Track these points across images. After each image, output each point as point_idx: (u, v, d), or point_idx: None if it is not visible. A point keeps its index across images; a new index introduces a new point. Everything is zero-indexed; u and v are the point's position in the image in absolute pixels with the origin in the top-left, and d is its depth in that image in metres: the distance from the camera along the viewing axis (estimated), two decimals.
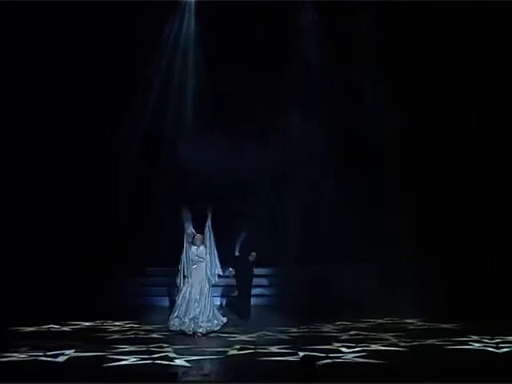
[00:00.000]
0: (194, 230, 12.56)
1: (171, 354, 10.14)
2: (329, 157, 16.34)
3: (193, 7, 16.72)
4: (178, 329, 12.15)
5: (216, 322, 12.27)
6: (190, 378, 8.66)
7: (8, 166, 15.55)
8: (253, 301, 15.70)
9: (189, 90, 17.05)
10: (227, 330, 12.43)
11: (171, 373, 8.83)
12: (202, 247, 12.43)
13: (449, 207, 15.67)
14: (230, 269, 13.51)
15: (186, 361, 9.67)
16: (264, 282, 16.56)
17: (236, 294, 14.59)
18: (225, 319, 12.48)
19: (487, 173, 15.76)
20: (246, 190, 16.59)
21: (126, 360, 9.69)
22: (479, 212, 15.63)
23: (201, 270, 12.33)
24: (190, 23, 16.84)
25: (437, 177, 15.92)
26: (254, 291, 15.89)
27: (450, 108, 15.88)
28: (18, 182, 15.56)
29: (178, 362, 9.66)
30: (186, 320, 12.11)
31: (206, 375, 8.88)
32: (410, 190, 15.91)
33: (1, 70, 15.12)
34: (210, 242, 12.43)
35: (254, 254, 14.40)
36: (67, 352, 10.20)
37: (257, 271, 16.22)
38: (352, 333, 12.28)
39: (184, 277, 12.33)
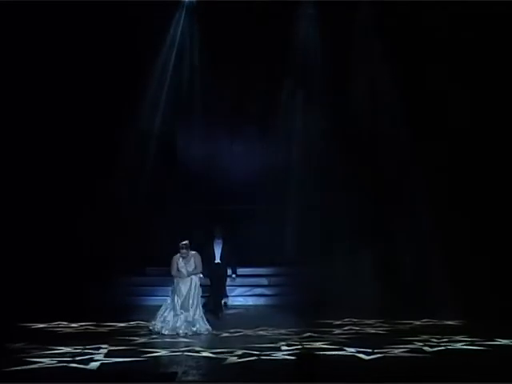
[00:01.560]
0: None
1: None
2: (330, 156, 16.22)
3: (185, 7, 16.65)
4: (161, 332, 12.05)
5: (202, 329, 12.15)
6: (190, 378, 8.56)
7: (9, 165, 15.38)
8: (252, 300, 15.85)
9: (189, 89, 16.96)
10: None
11: (171, 372, 8.76)
12: (191, 261, 12.34)
13: (452, 207, 15.55)
14: (201, 275, 12.86)
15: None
16: (264, 281, 16.46)
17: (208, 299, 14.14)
18: (209, 328, 12.29)
19: (489, 169, 15.61)
20: (246, 189, 16.54)
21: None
22: (483, 213, 15.48)
23: (188, 280, 12.27)
24: (189, 22, 16.74)
25: (438, 175, 15.77)
26: (255, 291, 15.97)
27: (450, 101, 15.67)
28: (18, 181, 15.38)
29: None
30: (170, 326, 12.04)
31: (205, 375, 8.80)
32: (410, 190, 15.83)
33: (2, 71, 15.07)
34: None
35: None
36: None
37: (257, 271, 16.32)
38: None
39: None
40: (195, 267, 12.39)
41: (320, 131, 16.55)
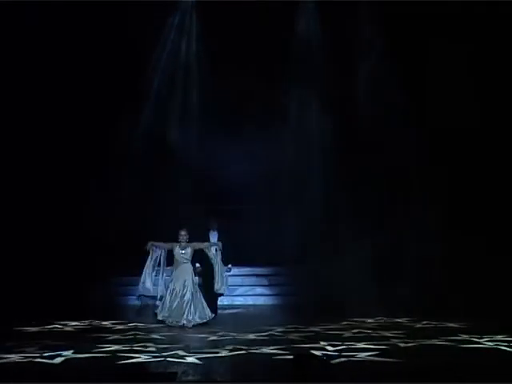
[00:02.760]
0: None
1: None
2: (330, 155, 16.28)
3: (185, 7, 16.64)
4: (165, 320, 12.34)
5: (203, 315, 12.40)
6: (190, 378, 8.53)
7: (12, 164, 15.32)
8: (252, 300, 15.86)
9: (190, 90, 17.01)
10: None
11: (170, 372, 8.69)
12: (188, 249, 12.59)
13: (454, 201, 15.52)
14: (198, 265, 13.10)
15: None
16: (264, 281, 16.44)
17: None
18: (212, 314, 12.64)
19: (490, 168, 15.53)
20: (246, 189, 16.58)
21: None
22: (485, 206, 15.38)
23: (186, 268, 12.57)
24: (190, 23, 16.73)
25: (440, 173, 15.73)
26: (254, 291, 16.03)
27: (453, 98, 15.51)
28: (20, 181, 15.33)
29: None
30: (172, 314, 12.32)
31: (205, 374, 8.76)
32: (409, 190, 15.84)
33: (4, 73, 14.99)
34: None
35: (198, 265, 13.57)
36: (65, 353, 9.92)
37: (256, 271, 16.35)
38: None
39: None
40: (194, 252, 12.62)
41: (320, 131, 16.56)
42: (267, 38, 15.87)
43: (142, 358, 9.65)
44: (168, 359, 9.57)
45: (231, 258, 13.91)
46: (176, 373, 8.64)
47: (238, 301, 15.80)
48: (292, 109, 16.91)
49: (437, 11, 15.15)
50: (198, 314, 12.38)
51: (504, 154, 15.57)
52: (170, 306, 12.39)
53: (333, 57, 16.16)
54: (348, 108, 16.37)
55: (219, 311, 13.76)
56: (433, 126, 15.68)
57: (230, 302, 15.34)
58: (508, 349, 10.14)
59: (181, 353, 9.96)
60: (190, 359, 9.60)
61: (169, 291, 12.48)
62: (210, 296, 13.10)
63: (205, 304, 12.58)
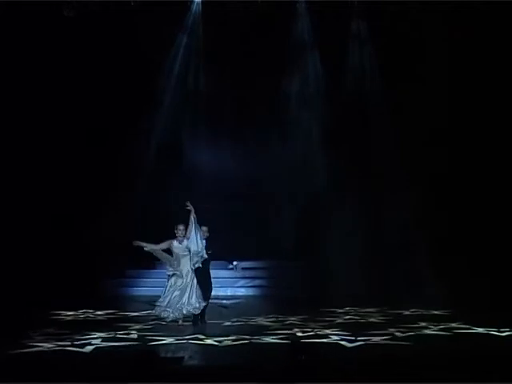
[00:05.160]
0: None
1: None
2: (329, 156, 16.50)
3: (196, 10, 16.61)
4: (165, 316, 12.10)
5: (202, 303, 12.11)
6: (196, 362, 8.73)
7: (26, 160, 15.55)
8: (252, 291, 16.35)
9: (190, 91, 17.24)
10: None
11: (177, 357, 8.84)
12: (185, 241, 12.14)
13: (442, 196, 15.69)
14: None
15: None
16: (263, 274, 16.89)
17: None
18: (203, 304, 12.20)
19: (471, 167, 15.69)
20: (247, 189, 16.86)
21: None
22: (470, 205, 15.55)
23: (186, 263, 12.15)
24: (194, 27, 16.74)
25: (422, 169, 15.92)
26: (254, 282, 16.47)
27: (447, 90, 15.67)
28: (38, 179, 15.64)
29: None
30: (172, 309, 12.02)
31: (209, 360, 8.90)
32: (406, 190, 15.97)
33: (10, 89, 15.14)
34: (194, 234, 12.14)
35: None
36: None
37: (254, 264, 16.75)
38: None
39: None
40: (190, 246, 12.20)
41: (319, 132, 16.78)
42: (267, 39, 16.07)
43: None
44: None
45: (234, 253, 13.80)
46: (182, 358, 8.85)
47: (241, 291, 16.28)
48: (292, 111, 17.05)
49: (435, 10, 15.20)
50: (194, 307, 12.05)
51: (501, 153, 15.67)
52: (170, 303, 12.06)
53: (332, 57, 16.34)
54: (347, 107, 16.52)
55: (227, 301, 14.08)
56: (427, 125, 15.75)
57: (231, 293, 15.84)
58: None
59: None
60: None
61: (169, 287, 12.18)
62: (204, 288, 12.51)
63: (200, 298, 12.15)
